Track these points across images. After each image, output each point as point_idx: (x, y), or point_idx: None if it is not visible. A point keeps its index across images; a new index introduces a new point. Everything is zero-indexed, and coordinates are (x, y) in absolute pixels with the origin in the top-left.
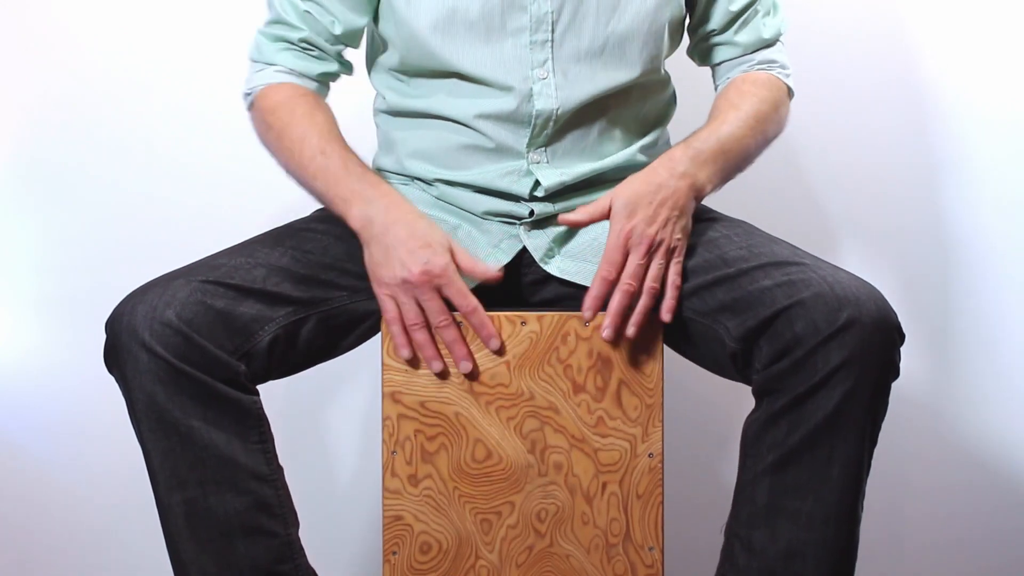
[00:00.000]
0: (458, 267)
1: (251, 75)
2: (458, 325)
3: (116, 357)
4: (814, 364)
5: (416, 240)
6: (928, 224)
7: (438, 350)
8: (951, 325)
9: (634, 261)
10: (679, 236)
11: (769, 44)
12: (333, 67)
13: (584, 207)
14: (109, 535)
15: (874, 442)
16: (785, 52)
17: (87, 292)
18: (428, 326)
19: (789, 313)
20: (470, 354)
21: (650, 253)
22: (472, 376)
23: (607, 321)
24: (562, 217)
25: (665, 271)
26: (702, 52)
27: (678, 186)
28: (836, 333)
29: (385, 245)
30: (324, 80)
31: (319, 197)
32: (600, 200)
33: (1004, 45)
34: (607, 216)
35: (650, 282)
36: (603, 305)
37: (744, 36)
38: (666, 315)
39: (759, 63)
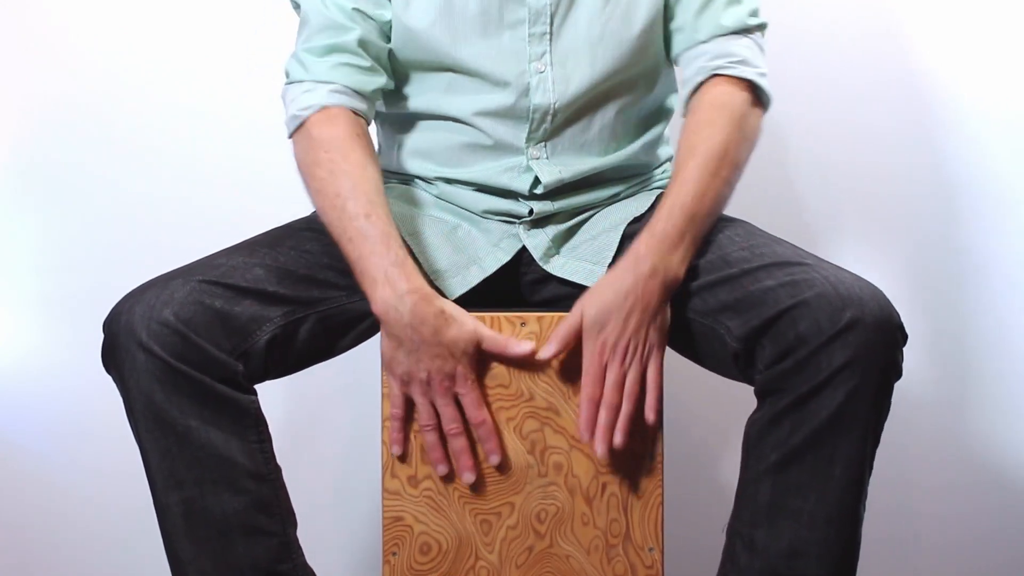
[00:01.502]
0: (489, 350)
1: (297, 95)
2: (468, 434)
3: (114, 357)
4: (817, 364)
5: (441, 345)
6: (930, 224)
7: (446, 454)
8: (954, 325)
9: (611, 376)
10: (653, 338)
11: (729, 34)
12: (383, 79)
13: (555, 332)
14: (108, 535)
15: (877, 442)
16: (756, 50)
17: (86, 292)
18: (439, 428)
19: (792, 313)
20: (476, 466)
21: (625, 364)
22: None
23: (598, 438)
24: (539, 357)
25: (645, 372)
26: (666, 43)
27: (646, 288)
28: (839, 333)
29: (409, 343)
30: (374, 98)
31: (347, 259)
32: (569, 318)
33: (1006, 43)
34: (579, 329)
35: (629, 390)
36: (596, 423)
37: (700, 23)
38: (650, 415)
39: (715, 56)
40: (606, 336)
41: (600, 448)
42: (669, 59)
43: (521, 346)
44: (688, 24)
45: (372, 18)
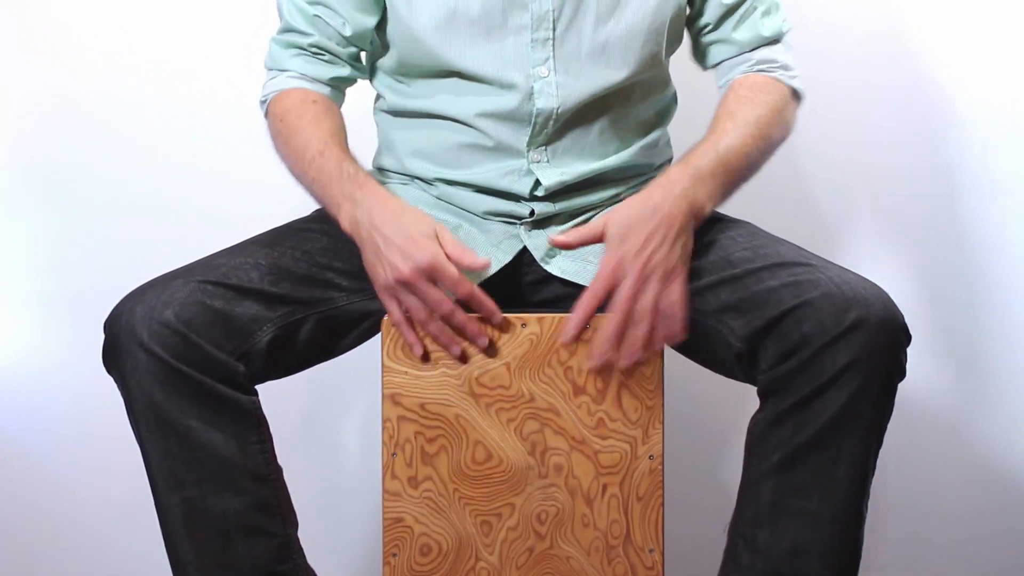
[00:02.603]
0: (448, 251)
1: (265, 82)
2: (462, 307)
3: (115, 357)
4: (821, 364)
5: (401, 237)
6: (934, 225)
7: (453, 334)
8: (957, 325)
9: (623, 290)
10: (677, 257)
11: (768, 43)
12: (345, 71)
13: (576, 229)
14: (109, 535)
15: (880, 442)
16: (790, 53)
17: (87, 292)
18: (434, 317)
19: (796, 313)
20: (482, 329)
21: (643, 279)
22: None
23: (594, 350)
24: (552, 238)
25: (663, 295)
26: (701, 52)
27: (674, 208)
28: (844, 333)
29: (374, 247)
30: (337, 84)
31: (318, 201)
32: (594, 223)
33: (1013, 44)
34: (600, 239)
35: (643, 311)
36: (581, 329)
37: (741, 34)
38: (677, 336)
39: (758, 63)
40: (626, 250)
41: (593, 362)
42: (705, 67)
43: (477, 261)
44: (728, 36)
45: (331, 26)
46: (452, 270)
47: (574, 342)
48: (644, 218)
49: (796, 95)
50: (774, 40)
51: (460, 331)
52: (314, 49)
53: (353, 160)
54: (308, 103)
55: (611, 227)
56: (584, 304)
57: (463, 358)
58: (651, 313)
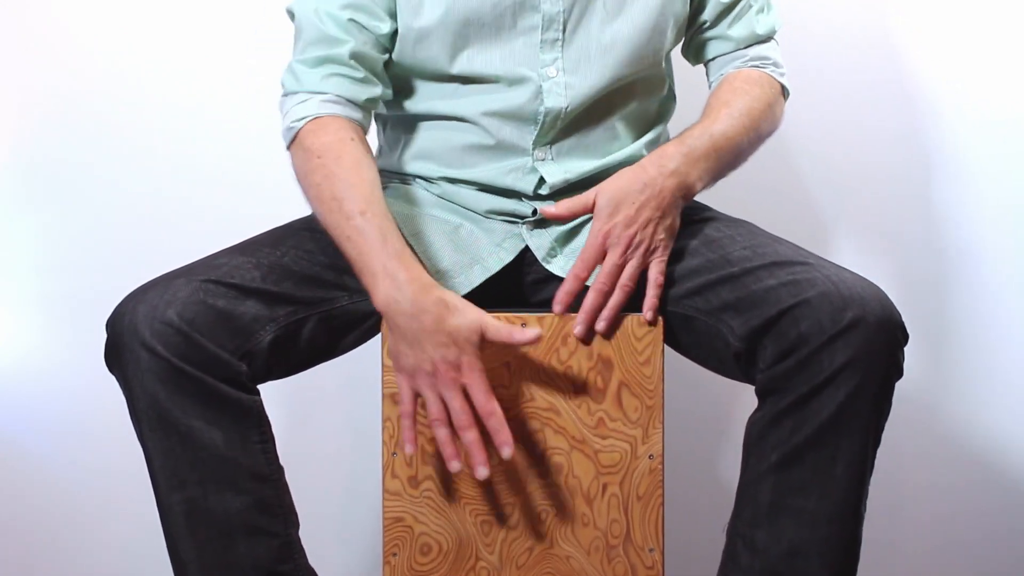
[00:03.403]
0: (493, 340)
1: (291, 107)
2: (479, 428)
3: (117, 357)
4: (819, 363)
5: (444, 334)
6: (929, 224)
7: (458, 449)
8: (951, 325)
9: (610, 260)
10: (662, 236)
11: (762, 40)
12: (378, 90)
13: (567, 201)
14: (109, 535)
15: (878, 441)
16: (779, 51)
17: (88, 291)
18: (450, 423)
19: (794, 312)
20: (488, 460)
21: (627, 253)
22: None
23: (579, 318)
24: (543, 209)
25: (646, 270)
26: (696, 48)
27: (665, 185)
28: (841, 332)
29: (411, 334)
30: (369, 107)
31: (347, 259)
32: (585, 195)
33: (1003, 45)
34: (590, 210)
35: (624, 280)
36: (574, 301)
37: (737, 30)
38: (647, 312)
39: (752, 59)
40: (615, 222)
41: (579, 329)
42: (698, 62)
43: (526, 334)
44: (724, 32)
45: (368, 29)
46: (485, 385)
47: (564, 311)
48: (635, 191)
49: (784, 92)
50: (768, 38)
51: (468, 449)
52: (351, 61)
53: (397, 230)
54: (347, 142)
55: (601, 198)
56: (574, 275)
57: (458, 474)
58: (629, 284)
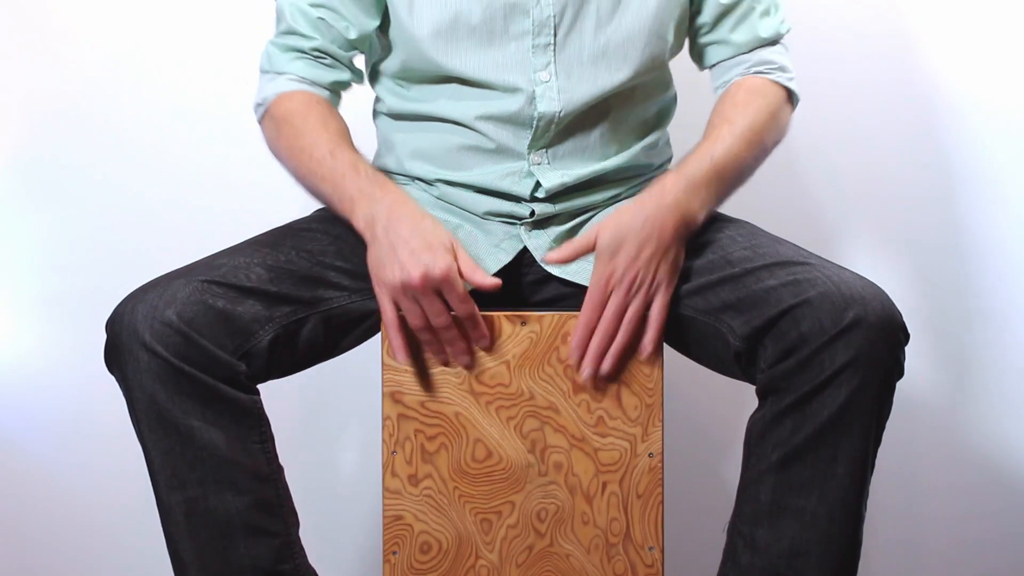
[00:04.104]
0: (461, 263)
1: (262, 85)
2: (456, 323)
3: (116, 357)
4: (820, 363)
5: (418, 240)
6: (933, 224)
7: (442, 346)
8: (955, 324)
9: (614, 303)
10: (664, 272)
11: (767, 44)
12: (345, 75)
13: (569, 243)
14: (109, 535)
15: (879, 441)
16: (787, 55)
17: (87, 292)
18: (430, 326)
19: (795, 312)
20: (469, 349)
21: (630, 294)
22: (470, 368)
23: (586, 362)
24: (548, 257)
25: (649, 306)
26: (698, 53)
27: (666, 219)
28: (842, 332)
29: (388, 244)
30: (336, 89)
31: (327, 200)
32: (586, 234)
33: (1011, 44)
34: (591, 250)
35: (628, 322)
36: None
37: (739, 35)
38: (648, 346)
39: (755, 65)
40: (617, 262)
41: (586, 371)
42: (703, 67)
43: (487, 279)
44: (725, 36)
45: (335, 29)
46: (461, 287)
47: (581, 358)
48: (635, 229)
49: (791, 97)
50: (772, 42)
51: (447, 344)
52: (316, 53)
53: (367, 161)
54: (312, 104)
55: (602, 238)
56: (584, 323)
57: (445, 370)
58: (633, 323)
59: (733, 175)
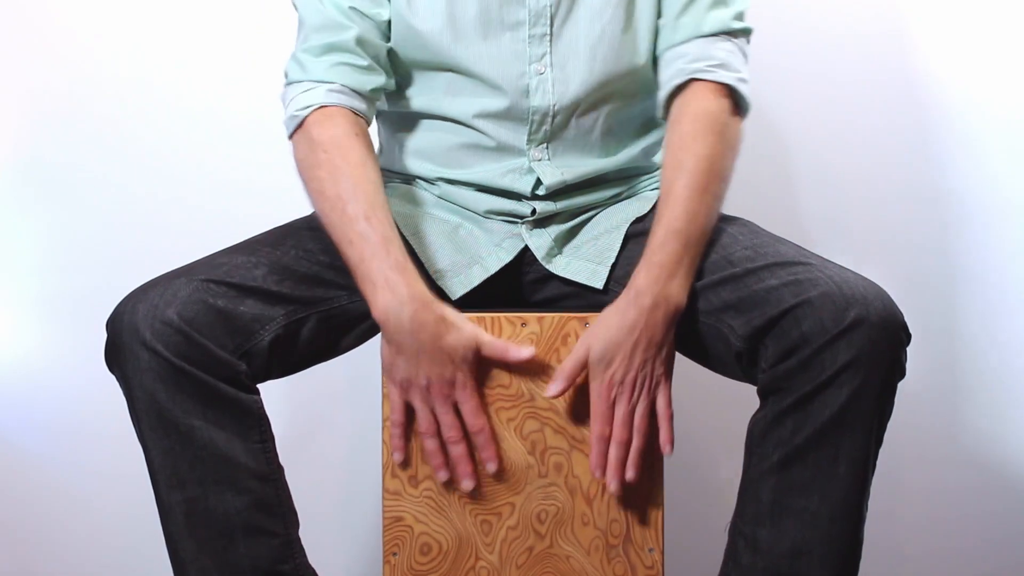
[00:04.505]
0: (488, 356)
1: (297, 95)
2: (468, 441)
3: (117, 356)
4: (821, 363)
5: (440, 351)
6: (933, 224)
7: (447, 460)
8: (956, 325)
9: (621, 411)
10: (661, 371)
11: (710, 36)
12: (382, 79)
13: (561, 369)
14: (109, 535)
15: (880, 441)
16: (740, 56)
17: (88, 291)
18: (439, 435)
19: (796, 312)
20: (474, 473)
21: (633, 400)
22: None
23: (610, 476)
24: (548, 393)
25: (654, 405)
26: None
27: (651, 321)
28: (843, 332)
29: (408, 349)
30: (374, 98)
31: (346, 260)
32: (575, 353)
33: (1006, 46)
34: (584, 366)
35: (639, 426)
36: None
37: (682, 22)
38: (665, 447)
39: (695, 60)
40: (613, 372)
41: (613, 485)
42: (655, 61)
43: (520, 352)
44: (669, 24)
45: (369, 16)
46: (476, 401)
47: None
48: (623, 339)
49: (739, 104)
50: (719, 35)
51: (454, 463)
52: (358, 48)
53: (398, 236)
54: (353, 137)
55: (594, 351)
56: (598, 437)
57: (447, 484)
58: (643, 427)
59: (701, 232)
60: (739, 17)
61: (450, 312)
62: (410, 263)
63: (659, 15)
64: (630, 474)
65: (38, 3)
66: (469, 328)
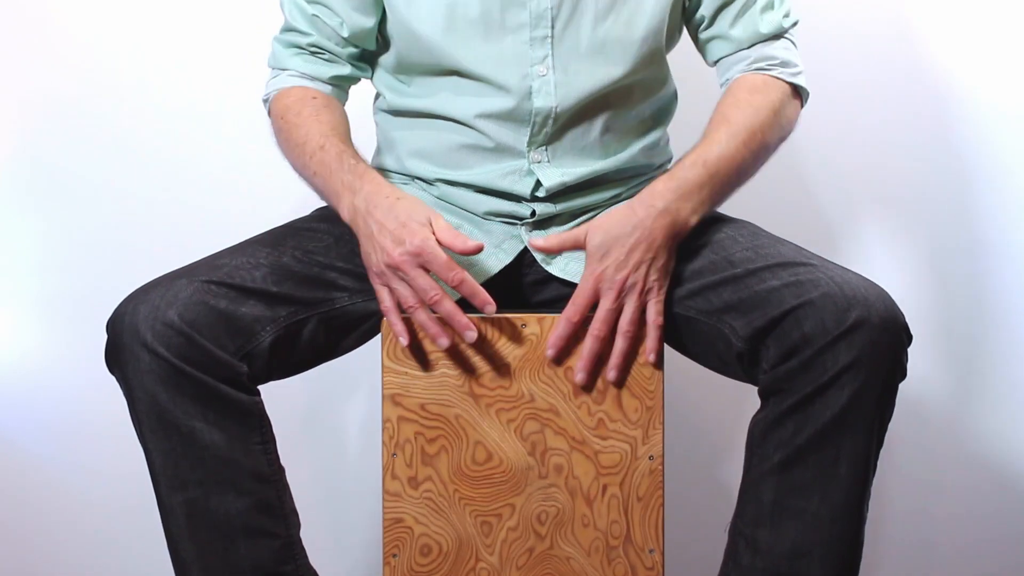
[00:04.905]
0: (439, 242)
1: (268, 81)
2: (451, 298)
3: (117, 357)
4: (823, 364)
5: (393, 222)
6: (935, 224)
7: (441, 326)
8: (958, 325)
9: (604, 306)
10: (654, 277)
11: (768, 39)
12: (345, 70)
13: (557, 235)
14: (109, 535)
15: (881, 442)
16: (793, 51)
17: (88, 292)
18: (425, 306)
19: (797, 313)
20: (471, 323)
21: (621, 297)
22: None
23: (579, 365)
24: (532, 241)
25: (643, 312)
26: (701, 49)
27: (655, 226)
28: (845, 333)
29: (368, 233)
30: (338, 83)
31: (320, 195)
32: (576, 231)
33: (1012, 42)
34: (580, 247)
35: (624, 325)
36: (568, 345)
37: (738, 30)
38: (649, 355)
39: (756, 61)
40: (606, 266)
41: (581, 376)
42: (708, 64)
43: (467, 243)
44: (725, 32)
45: (329, 26)
46: (441, 255)
47: (554, 358)
48: (624, 234)
49: (798, 92)
50: (774, 36)
51: (448, 321)
52: (313, 48)
53: (354, 151)
54: (307, 99)
55: (592, 240)
56: (565, 319)
57: (455, 355)
58: (631, 329)
59: (728, 178)
60: (788, 14)
61: (404, 194)
62: (363, 163)
63: (694, 23)
64: (612, 375)
65: (38, 3)
66: (422, 204)
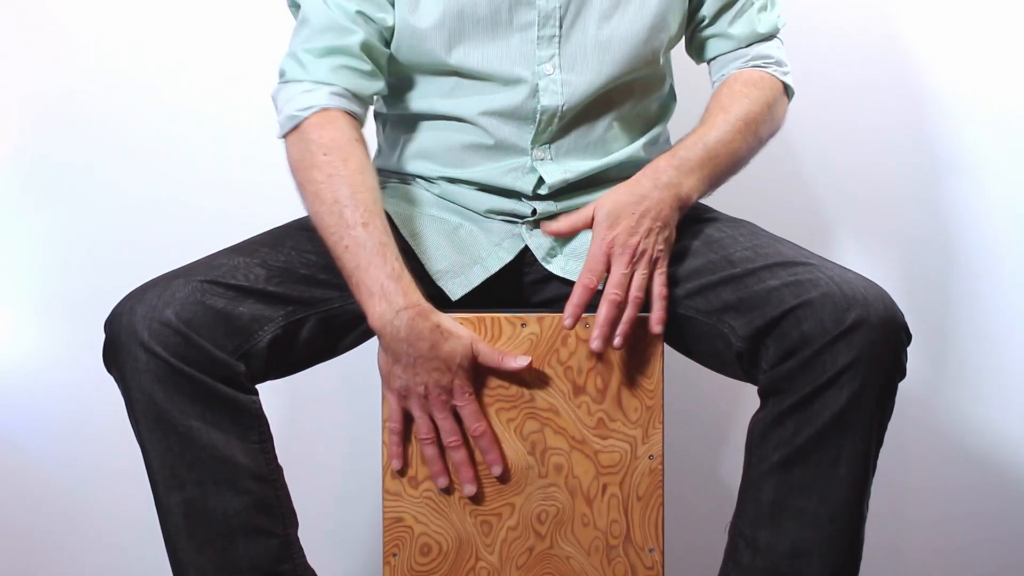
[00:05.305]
0: (484, 364)
1: (295, 95)
2: (468, 446)
3: (115, 357)
4: (822, 364)
5: (438, 360)
6: (931, 224)
7: (446, 466)
8: (954, 325)
9: (618, 271)
10: (661, 247)
11: (764, 39)
12: (381, 84)
13: (567, 216)
14: (108, 535)
15: (880, 442)
16: (783, 50)
17: (87, 292)
18: (438, 441)
19: (797, 313)
20: (476, 478)
21: (633, 263)
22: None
23: (595, 332)
24: (544, 225)
25: (650, 282)
26: (697, 47)
27: (661, 197)
28: (844, 333)
29: (405, 358)
30: (371, 103)
31: (340, 267)
32: (583, 210)
33: (1009, 44)
34: (590, 225)
35: (635, 292)
36: (583, 312)
37: (737, 28)
38: (656, 326)
39: (753, 59)
40: (617, 233)
41: (597, 343)
42: (700, 61)
43: (516, 361)
44: (724, 30)
45: (375, 21)
46: (476, 406)
47: (573, 327)
48: (632, 204)
49: (787, 92)
50: (769, 36)
51: (455, 467)
52: (361, 54)
53: (394, 245)
54: (354, 143)
55: (600, 212)
56: (582, 286)
57: (447, 489)
58: (640, 295)
59: (725, 162)
60: (780, 15)
61: (446, 320)
62: (406, 271)
63: (693, 21)
64: (617, 341)
65: (38, 3)
66: (466, 336)
